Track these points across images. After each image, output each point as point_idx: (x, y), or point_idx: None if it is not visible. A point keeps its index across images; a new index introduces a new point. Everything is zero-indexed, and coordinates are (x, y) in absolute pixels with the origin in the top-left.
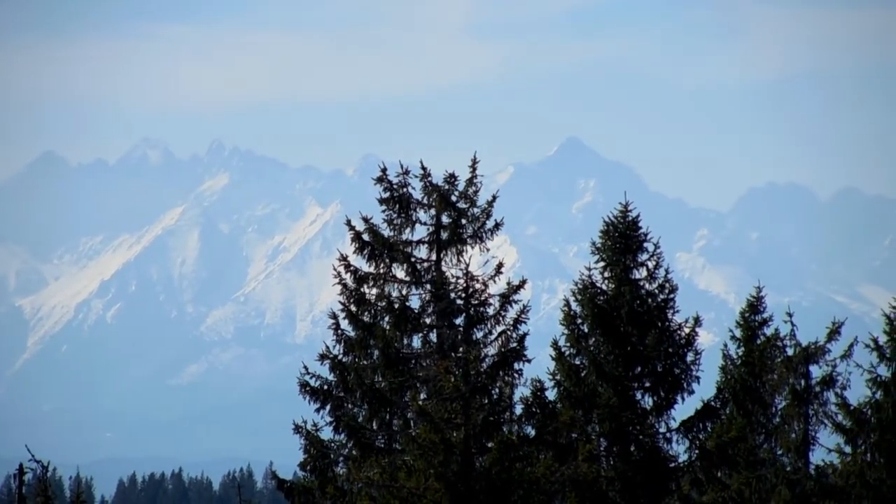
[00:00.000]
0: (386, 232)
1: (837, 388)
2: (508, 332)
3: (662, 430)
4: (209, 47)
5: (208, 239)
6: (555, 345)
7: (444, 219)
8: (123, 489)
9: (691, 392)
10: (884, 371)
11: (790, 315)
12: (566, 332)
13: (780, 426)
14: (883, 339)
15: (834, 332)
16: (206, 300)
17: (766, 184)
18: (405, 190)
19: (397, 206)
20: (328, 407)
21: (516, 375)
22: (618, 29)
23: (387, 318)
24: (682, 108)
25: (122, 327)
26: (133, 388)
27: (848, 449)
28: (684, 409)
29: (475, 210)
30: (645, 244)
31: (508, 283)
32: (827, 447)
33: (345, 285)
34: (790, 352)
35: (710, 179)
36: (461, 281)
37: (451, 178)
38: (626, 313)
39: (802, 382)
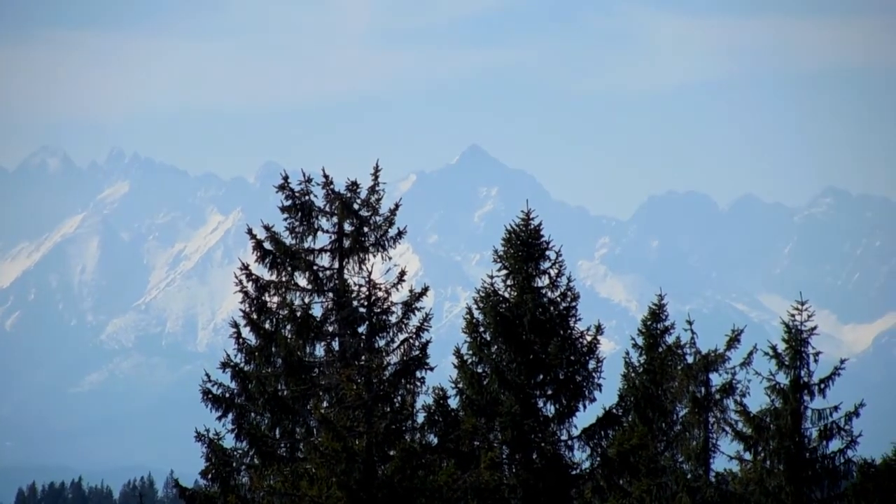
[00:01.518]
0: (288, 240)
1: (737, 395)
2: (411, 340)
3: (564, 437)
4: (108, 54)
5: (108, 247)
6: (457, 353)
7: (347, 227)
8: (23, 498)
9: (593, 400)
10: (783, 378)
11: (690, 323)
12: (468, 340)
13: (680, 434)
14: (782, 346)
15: (733, 340)
16: (107, 308)
17: (666, 192)
18: (307, 198)
19: (299, 214)
20: (230, 415)
21: (419, 383)
22: (520, 37)
23: (289, 327)
24: (584, 116)
25: (22, 336)
26: (33, 396)
27: (747, 456)
28: (586, 416)
29: (377, 218)
30: (547, 252)
31: (411, 291)
32: (727, 454)
33: (246, 293)
34: (690, 360)
35: (612, 188)
36: (363, 289)
37: (354, 187)
38: (529, 321)
39: (702, 390)
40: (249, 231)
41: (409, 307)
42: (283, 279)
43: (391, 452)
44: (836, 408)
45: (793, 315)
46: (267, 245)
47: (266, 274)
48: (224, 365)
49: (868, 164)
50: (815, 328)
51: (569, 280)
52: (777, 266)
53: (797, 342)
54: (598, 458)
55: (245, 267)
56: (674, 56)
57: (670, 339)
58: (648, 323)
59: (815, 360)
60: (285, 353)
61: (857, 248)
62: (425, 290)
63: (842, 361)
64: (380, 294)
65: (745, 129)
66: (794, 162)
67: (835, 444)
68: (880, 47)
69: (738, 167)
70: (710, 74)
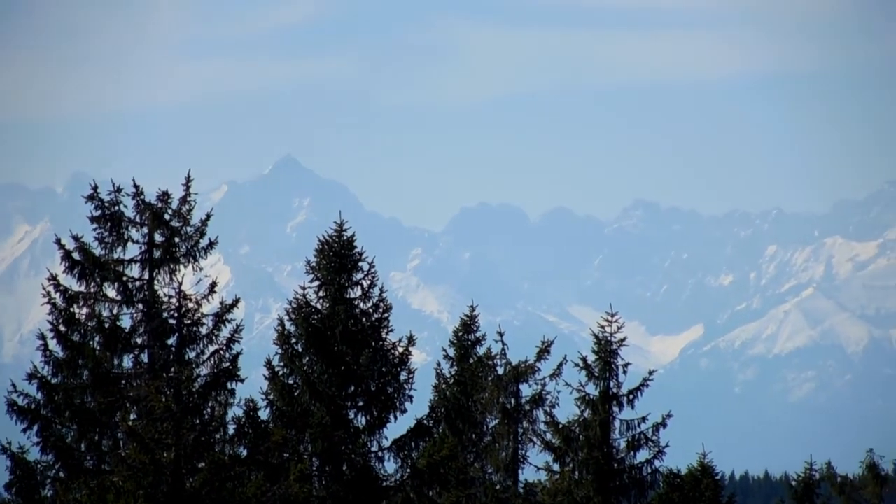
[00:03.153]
0: (97, 251)
1: (547, 406)
2: (221, 352)
3: (375, 449)
4: None
5: None
6: (268, 364)
7: (157, 237)
8: None
9: (404, 411)
10: (592, 390)
11: (501, 334)
12: (280, 351)
13: (490, 445)
14: (591, 358)
15: (544, 352)
16: None
17: (478, 204)
18: (117, 208)
19: (109, 224)
20: (36, 427)
21: (229, 395)
22: (335, 49)
23: (97, 338)
24: (398, 128)
25: None
26: None
27: (556, 467)
28: (397, 427)
29: (188, 229)
30: (360, 263)
31: (222, 303)
32: (536, 465)
33: (54, 304)
34: (501, 371)
35: (425, 199)
36: (174, 300)
37: (165, 197)
38: (341, 332)
39: (513, 401)
40: (58, 241)
41: (219, 318)
42: (92, 290)
43: (200, 465)
44: (643, 419)
45: (602, 327)
46: (75, 255)
47: (75, 285)
48: (30, 376)
49: (677, 177)
50: (624, 340)
51: (381, 291)
52: (587, 278)
53: (606, 353)
54: (409, 470)
55: (53, 277)
56: (489, 69)
57: (481, 351)
58: (460, 334)
59: (624, 372)
60: (93, 364)
61: (666, 260)
62: (236, 301)
63: (650, 373)
64: (190, 305)
65: (558, 142)
66: (606, 175)
67: (642, 455)
68: (690, 62)
69: (550, 180)
70: (523, 88)
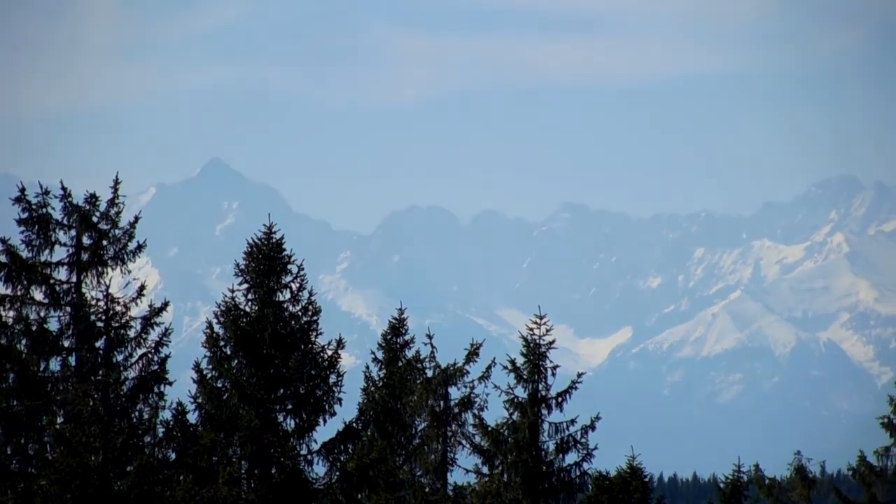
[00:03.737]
0: (24, 253)
1: (476, 409)
2: (150, 355)
3: (304, 452)
4: None
5: None
6: (197, 367)
7: (85, 240)
8: None
9: (333, 414)
10: (521, 392)
11: (430, 337)
12: (209, 354)
13: (419, 447)
14: (520, 360)
15: (472, 354)
16: None
17: (407, 206)
18: (44, 210)
19: (36, 226)
20: None
21: (157, 398)
22: (263, 52)
23: (24, 341)
24: (326, 131)
25: None
26: None
27: (486, 469)
28: (326, 430)
29: (117, 231)
30: (289, 266)
31: (150, 306)
32: (465, 468)
33: None
34: (430, 373)
35: (354, 202)
36: (102, 303)
37: (93, 199)
38: (270, 335)
39: (442, 404)
40: None
41: (148, 321)
42: (19, 293)
43: (128, 468)
44: (572, 421)
45: (531, 329)
46: (2, 258)
47: (1, 288)
48: None
49: (606, 179)
50: (552, 342)
51: (310, 294)
52: (517, 280)
53: (535, 356)
54: (338, 473)
55: None
56: (419, 72)
57: (410, 354)
58: (388, 337)
59: (553, 374)
60: (19, 368)
61: (595, 262)
62: (165, 304)
63: (579, 375)
64: (118, 308)
65: (487, 144)
66: (535, 178)
67: (571, 457)
68: (618, 65)
69: (479, 183)
70: (453, 90)
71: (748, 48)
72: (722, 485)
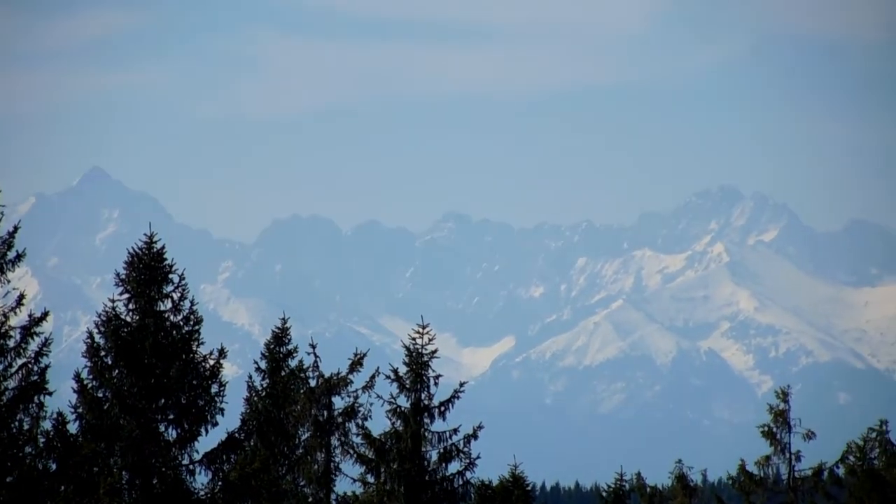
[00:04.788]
0: None
1: (359, 418)
2: (30, 365)
3: (186, 462)
4: None
5: None
6: (77, 377)
7: None
8: None
9: (215, 424)
10: (404, 401)
11: (313, 346)
12: (89, 364)
13: (302, 457)
14: (403, 370)
15: (356, 364)
16: None
17: (290, 216)
18: None
19: None
20: None
21: (38, 409)
22: (144, 60)
23: None
24: (207, 140)
25: None
26: None
27: (370, 478)
28: (208, 440)
29: None
30: (170, 276)
31: (30, 315)
32: (350, 477)
33: None
34: (313, 383)
35: (235, 211)
36: None
37: None
38: (151, 345)
39: (325, 413)
40: None
41: (27, 331)
42: None
43: (9, 479)
44: (455, 430)
45: (414, 338)
46: None
47: None
48: None
49: (488, 190)
50: (435, 351)
51: (192, 304)
52: (400, 290)
53: (418, 365)
54: (220, 483)
55: None
56: (299, 81)
57: (293, 363)
58: (271, 346)
59: (436, 384)
60: None
61: (478, 271)
62: (45, 314)
63: (461, 384)
64: None
65: (369, 154)
66: (417, 188)
67: (454, 466)
68: (498, 76)
69: (362, 192)
70: (335, 100)
71: (629, 60)
72: (604, 493)
